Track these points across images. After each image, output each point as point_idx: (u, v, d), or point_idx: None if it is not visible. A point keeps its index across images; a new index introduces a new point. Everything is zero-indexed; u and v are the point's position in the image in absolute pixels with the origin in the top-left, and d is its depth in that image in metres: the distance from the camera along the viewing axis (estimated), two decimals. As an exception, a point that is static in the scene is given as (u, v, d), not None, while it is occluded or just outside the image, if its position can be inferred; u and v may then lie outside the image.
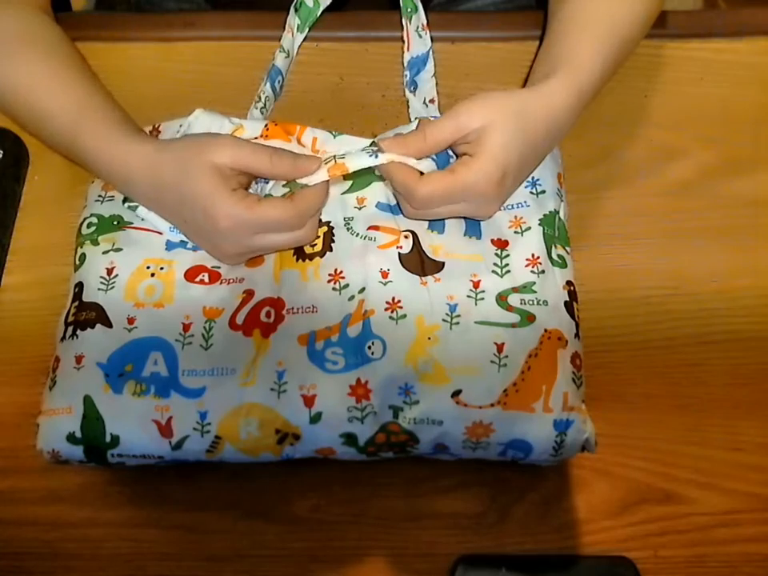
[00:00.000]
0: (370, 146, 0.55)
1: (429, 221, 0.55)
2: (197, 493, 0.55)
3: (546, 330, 0.50)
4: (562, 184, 0.58)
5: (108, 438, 0.49)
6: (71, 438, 0.49)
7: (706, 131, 0.65)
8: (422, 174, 0.53)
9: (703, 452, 0.56)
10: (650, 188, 0.63)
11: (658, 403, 0.57)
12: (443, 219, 0.55)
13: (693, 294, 0.60)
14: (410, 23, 0.66)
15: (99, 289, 0.53)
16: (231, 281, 0.54)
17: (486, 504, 0.55)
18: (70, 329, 0.52)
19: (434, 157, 0.54)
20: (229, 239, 0.52)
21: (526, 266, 0.53)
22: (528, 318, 0.51)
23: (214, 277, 0.54)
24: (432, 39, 0.66)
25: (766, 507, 0.54)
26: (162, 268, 0.54)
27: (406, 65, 0.66)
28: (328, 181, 0.53)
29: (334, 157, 0.53)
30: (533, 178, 0.56)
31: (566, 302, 0.52)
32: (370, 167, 0.53)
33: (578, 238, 0.58)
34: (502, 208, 0.55)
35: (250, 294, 0.53)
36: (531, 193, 0.56)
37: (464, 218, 0.55)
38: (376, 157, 0.52)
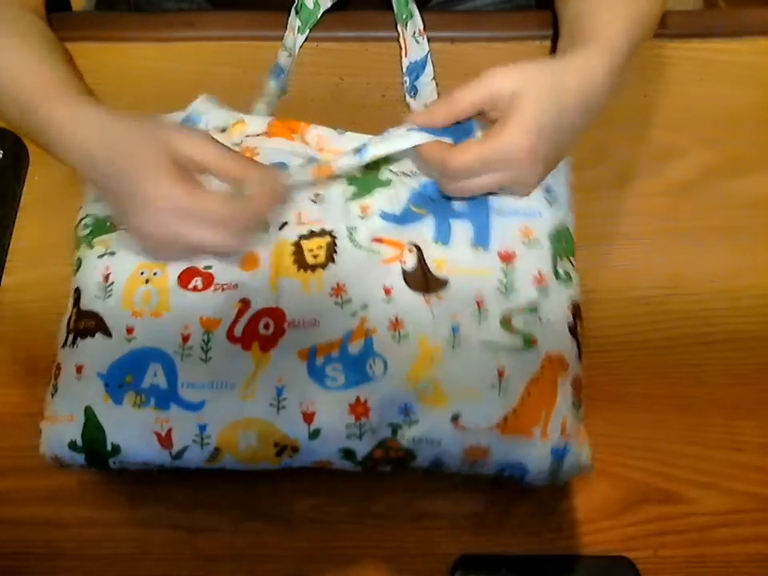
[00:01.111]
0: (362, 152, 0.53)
1: (439, 230, 0.53)
2: (197, 493, 0.55)
3: (547, 354, 0.50)
4: (572, 192, 0.56)
5: (109, 447, 0.49)
6: (73, 445, 0.50)
7: (706, 131, 0.65)
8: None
9: (703, 452, 0.56)
10: (650, 188, 0.63)
11: (658, 403, 0.57)
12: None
13: (693, 294, 0.60)
14: (406, 29, 0.66)
15: (97, 296, 0.53)
16: (225, 287, 0.52)
17: (485, 504, 0.55)
18: (71, 336, 0.52)
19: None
20: (156, 220, 0.49)
21: (532, 283, 0.52)
22: (531, 342, 0.50)
23: (207, 281, 0.52)
24: (429, 41, 0.66)
25: (765, 507, 0.54)
26: (155, 273, 0.53)
27: (404, 70, 0.66)
28: (283, 195, 0.52)
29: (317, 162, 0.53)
30: (547, 184, 0.54)
31: (569, 323, 0.51)
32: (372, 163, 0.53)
33: (578, 237, 0.58)
34: (515, 213, 0.53)
35: (245, 303, 0.52)
36: (546, 200, 0.54)
37: (473, 224, 0.53)
38: (361, 155, 0.52)
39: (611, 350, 0.58)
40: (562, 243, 0.54)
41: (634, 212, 0.57)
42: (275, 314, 0.51)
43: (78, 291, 0.54)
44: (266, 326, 0.51)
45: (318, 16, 0.67)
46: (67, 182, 0.64)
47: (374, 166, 0.55)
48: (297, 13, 0.66)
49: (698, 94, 0.66)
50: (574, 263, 0.55)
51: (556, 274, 0.53)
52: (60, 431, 0.50)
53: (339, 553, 0.54)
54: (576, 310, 0.53)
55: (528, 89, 0.50)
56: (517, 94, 0.50)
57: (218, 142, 0.51)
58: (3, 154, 0.64)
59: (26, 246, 0.63)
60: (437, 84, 0.65)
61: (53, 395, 0.51)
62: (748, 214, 0.62)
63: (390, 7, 0.68)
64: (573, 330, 0.51)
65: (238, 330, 0.51)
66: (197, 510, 0.55)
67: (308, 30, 0.67)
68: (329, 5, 0.67)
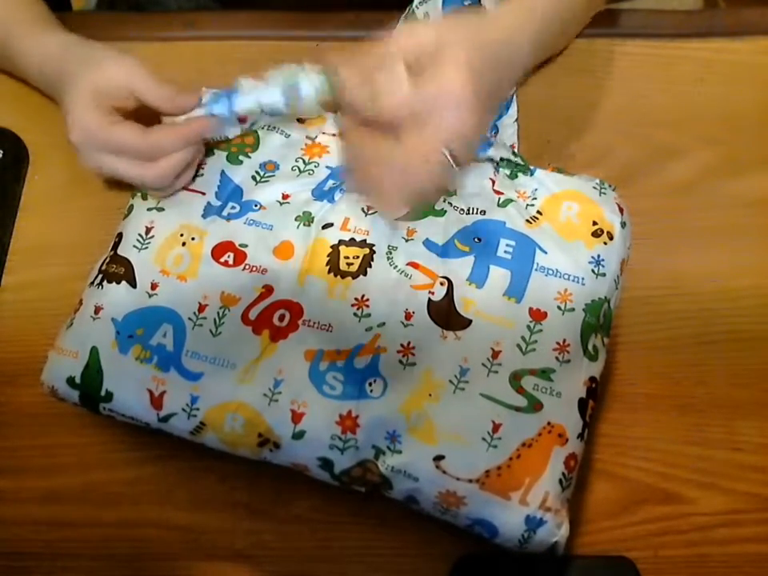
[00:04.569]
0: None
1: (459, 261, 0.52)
2: (197, 493, 0.55)
3: (548, 423, 0.49)
4: (623, 270, 0.55)
5: (103, 392, 0.50)
6: (71, 381, 0.51)
7: (706, 131, 0.65)
8: None
9: (703, 452, 0.56)
10: (649, 188, 0.63)
11: (658, 403, 0.57)
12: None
13: (693, 294, 0.60)
14: None
15: (134, 246, 0.54)
16: (255, 269, 0.53)
17: (486, 504, 0.55)
18: (99, 277, 0.54)
19: None
20: (79, 150, 0.54)
21: (554, 349, 0.50)
22: (535, 406, 0.49)
23: (239, 258, 0.53)
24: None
25: (765, 507, 0.54)
26: (193, 238, 0.54)
27: None
28: (206, 128, 0.55)
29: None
30: (598, 255, 0.53)
31: (580, 399, 0.50)
32: None
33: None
34: (557, 274, 0.52)
35: (268, 290, 0.52)
36: (593, 271, 0.52)
37: (512, 274, 0.52)
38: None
39: (612, 350, 0.58)
40: (599, 319, 0.52)
41: (634, 212, 0.57)
42: (293, 308, 0.52)
43: (119, 236, 0.56)
44: (281, 318, 0.52)
45: None
46: (67, 182, 0.64)
47: None
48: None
49: (698, 93, 0.66)
50: (605, 343, 0.53)
51: (584, 348, 0.51)
52: (62, 364, 0.52)
53: (339, 553, 0.54)
54: (592, 390, 0.51)
55: (450, 39, 0.47)
56: (441, 44, 0.46)
57: (145, 72, 0.55)
58: (3, 154, 0.64)
59: (26, 245, 0.63)
60: (518, 126, 0.62)
61: (67, 328, 0.53)
62: (748, 213, 0.62)
63: (391, 7, 0.67)
64: (582, 407, 0.50)
65: (253, 314, 0.52)
66: (197, 510, 0.55)
67: None
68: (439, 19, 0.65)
